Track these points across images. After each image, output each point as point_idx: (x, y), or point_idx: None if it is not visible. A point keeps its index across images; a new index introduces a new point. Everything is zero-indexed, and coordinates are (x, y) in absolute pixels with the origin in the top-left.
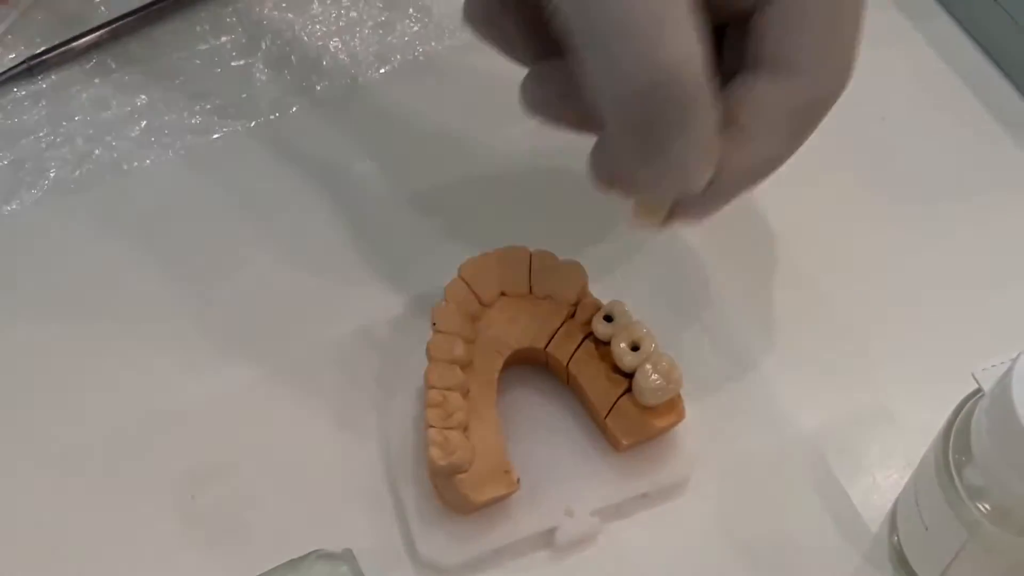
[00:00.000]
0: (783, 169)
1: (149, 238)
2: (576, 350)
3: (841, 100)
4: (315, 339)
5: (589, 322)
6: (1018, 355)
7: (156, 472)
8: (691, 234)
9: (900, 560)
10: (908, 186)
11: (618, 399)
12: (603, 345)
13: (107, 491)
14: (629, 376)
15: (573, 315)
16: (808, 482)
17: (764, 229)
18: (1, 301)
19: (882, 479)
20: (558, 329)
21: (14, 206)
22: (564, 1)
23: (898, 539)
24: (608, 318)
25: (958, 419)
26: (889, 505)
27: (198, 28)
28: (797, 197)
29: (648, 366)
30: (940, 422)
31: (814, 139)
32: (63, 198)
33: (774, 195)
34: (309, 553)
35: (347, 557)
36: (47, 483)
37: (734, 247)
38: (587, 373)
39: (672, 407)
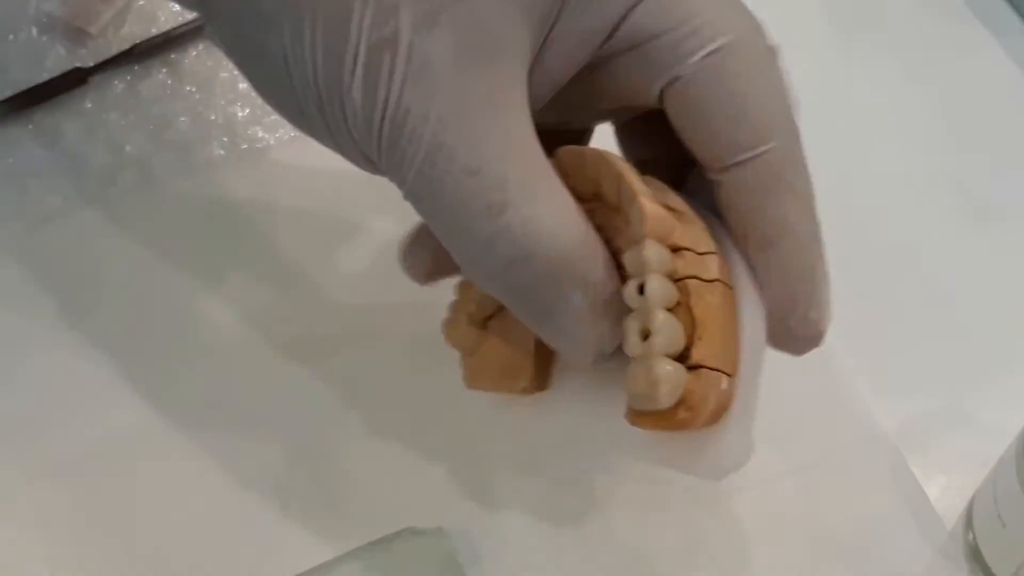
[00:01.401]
0: (872, 176)
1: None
2: None
3: (924, 111)
4: (413, 324)
5: None
6: None
7: (255, 448)
8: None
9: (975, 556)
10: (986, 194)
11: None
12: None
13: (208, 465)
14: None
15: None
16: (885, 478)
17: (846, 232)
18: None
19: (958, 477)
20: None
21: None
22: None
23: (974, 536)
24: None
25: None
26: (964, 503)
27: None
28: (879, 201)
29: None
30: (1018, 422)
31: (901, 150)
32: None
33: (859, 202)
34: (402, 530)
35: (438, 535)
36: (150, 453)
37: None
38: None
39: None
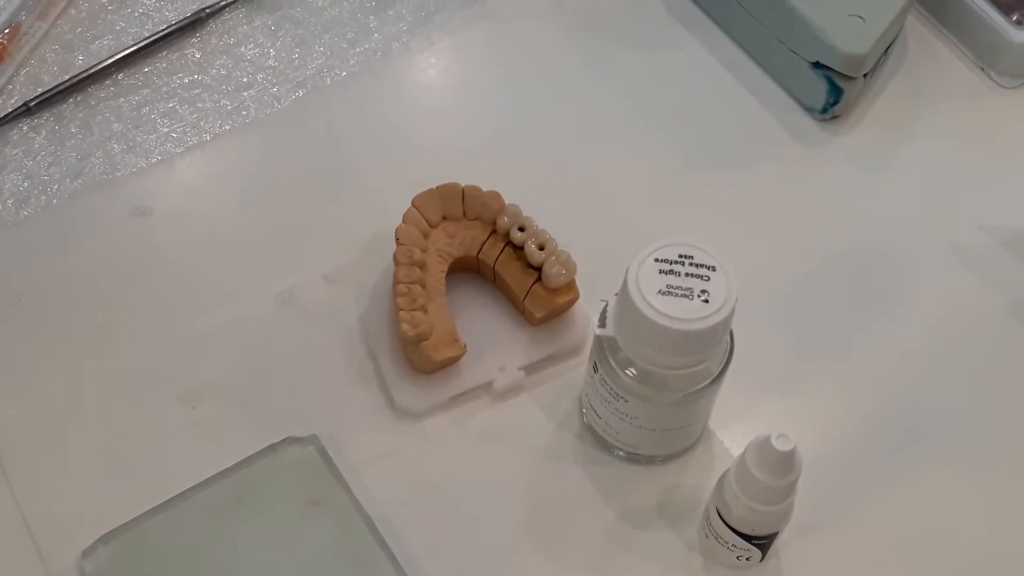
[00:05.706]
0: (606, 152)
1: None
2: (499, 255)
3: (646, 97)
4: (305, 268)
5: (508, 234)
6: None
7: (170, 388)
8: None
9: (590, 430)
10: (704, 151)
11: (532, 285)
12: (518, 250)
13: (139, 401)
14: (538, 269)
15: (495, 230)
16: None
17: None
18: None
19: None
20: (485, 241)
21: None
22: None
23: (587, 419)
24: (521, 229)
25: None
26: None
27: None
28: (609, 172)
29: (552, 259)
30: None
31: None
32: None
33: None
34: (285, 438)
35: (313, 440)
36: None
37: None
38: (508, 270)
39: (570, 288)
